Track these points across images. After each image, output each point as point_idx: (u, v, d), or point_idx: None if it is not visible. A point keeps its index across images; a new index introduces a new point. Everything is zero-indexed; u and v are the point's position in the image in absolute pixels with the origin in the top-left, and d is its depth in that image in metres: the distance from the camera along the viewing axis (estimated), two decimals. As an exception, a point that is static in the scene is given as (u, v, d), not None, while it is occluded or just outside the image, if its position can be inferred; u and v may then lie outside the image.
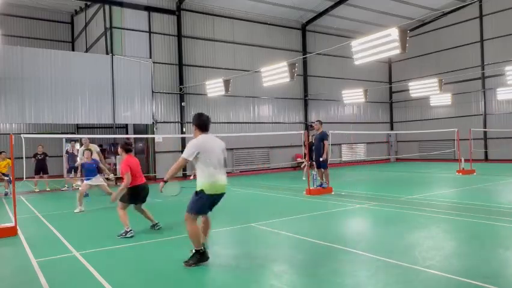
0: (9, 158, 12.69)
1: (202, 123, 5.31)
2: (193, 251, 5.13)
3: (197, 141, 5.16)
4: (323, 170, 11.82)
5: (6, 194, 13.49)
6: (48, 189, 15.21)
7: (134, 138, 20.63)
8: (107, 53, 17.78)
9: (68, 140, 19.28)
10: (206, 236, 5.39)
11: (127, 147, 7.32)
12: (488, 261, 4.88)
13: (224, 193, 5.18)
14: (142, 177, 7.24)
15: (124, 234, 6.83)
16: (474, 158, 18.24)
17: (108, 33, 18.04)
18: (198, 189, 5.13)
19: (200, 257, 5.09)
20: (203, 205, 5.17)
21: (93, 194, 12.99)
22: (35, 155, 15.02)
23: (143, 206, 7.41)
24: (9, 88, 15.24)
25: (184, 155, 5.09)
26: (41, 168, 15.02)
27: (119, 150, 7.49)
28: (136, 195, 7.10)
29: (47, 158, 15.31)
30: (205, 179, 5.05)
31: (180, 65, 19.51)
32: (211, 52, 20.58)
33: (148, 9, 18.59)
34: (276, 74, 14.42)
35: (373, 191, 12.23)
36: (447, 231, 6.70)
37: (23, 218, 8.85)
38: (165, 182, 5.47)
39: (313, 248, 5.87)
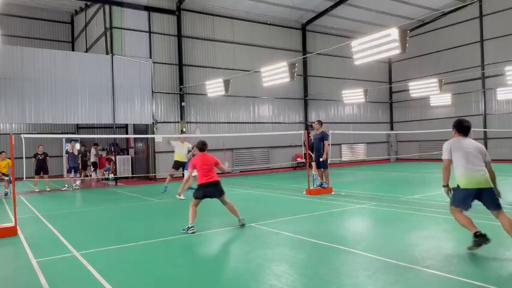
0: (9, 158, 12.70)
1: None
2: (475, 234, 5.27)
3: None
4: (322, 170, 11.82)
5: (6, 194, 13.49)
6: (48, 189, 15.22)
7: (134, 138, 20.66)
8: (107, 53, 17.78)
9: (68, 140, 19.29)
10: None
11: (201, 146, 7.54)
12: (488, 261, 4.88)
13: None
14: (207, 176, 7.29)
15: (186, 230, 7.04)
16: (474, 158, 18.21)
17: (108, 33, 18.04)
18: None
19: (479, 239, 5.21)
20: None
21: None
22: (35, 155, 15.04)
23: (227, 200, 7.55)
24: (9, 88, 15.24)
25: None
26: (41, 168, 15.03)
27: (195, 148, 8.42)
28: (200, 192, 7.34)
29: (47, 158, 15.33)
30: None
31: (180, 65, 19.51)
32: (211, 52, 20.58)
33: (148, 9, 18.60)
34: (276, 74, 14.41)
35: (373, 191, 12.23)
36: (447, 231, 6.70)
37: (23, 218, 8.85)
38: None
39: (314, 248, 5.87)
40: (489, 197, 5.56)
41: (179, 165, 13.90)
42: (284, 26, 23.01)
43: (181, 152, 13.88)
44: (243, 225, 7.39)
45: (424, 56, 25.87)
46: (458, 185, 5.67)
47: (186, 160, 13.86)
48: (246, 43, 21.66)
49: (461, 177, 5.68)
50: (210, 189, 7.32)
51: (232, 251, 6.06)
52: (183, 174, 14.20)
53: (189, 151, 13.38)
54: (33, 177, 15.11)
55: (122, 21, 18.14)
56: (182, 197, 11.86)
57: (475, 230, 5.34)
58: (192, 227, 7.04)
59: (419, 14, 23.03)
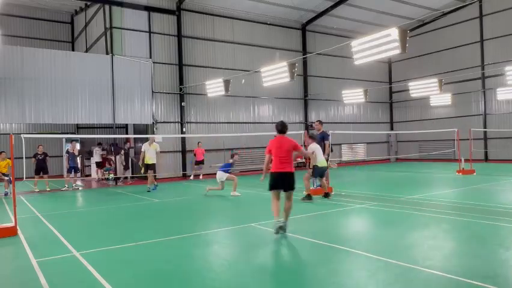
0: (9, 158, 12.69)
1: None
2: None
3: None
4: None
5: (6, 194, 13.49)
6: (48, 189, 15.22)
7: (134, 138, 20.65)
8: (107, 53, 17.78)
9: (68, 140, 19.31)
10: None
11: (280, 128, 6.75)
12: (488, 261, 4.88)
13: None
14: (282, 164, 6.55)
15: (276, 227, 6.45)
16: (474, 158, 18.24)
17: (108, 33, 18.04)
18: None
19: None
20: None
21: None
22: (35, 155, 15.02)
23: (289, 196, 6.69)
24: (9, 88, 15.24)
25: None
26: (41, 168, 15.03)
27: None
28: (272, 183, 6.61)
29: (47, 158, 15.32)
30: None
31: (180, 65, 19.51)
32: (211, 52, 20.58)
33: (148, 9, 18.60)
34: (276, 74, 14.41)
35: (373, 191, 12.23)
36: (447, 231, 6.70)
37: (23, 218, 8.85)
38: None
39: (313, 248, 5.87)
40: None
41: (147, 167, 13.82)
42: (284, 26, 23.02)
43: (149, 154, 13.81)
44: (282, 230, 6.46)
45: (424, 56, 25.88)
46: None
47: (155, 162, 14.03)
48: (246, 43, 21.66)
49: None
50: (280, 181, 6.55)
51: (232, 251, 6.06)
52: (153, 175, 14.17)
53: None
54: (33, 177, 15.11)
55: (122, 21, 18.14)
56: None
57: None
58: (278, 221, 6.43)
59: (419, 14, 23.04)
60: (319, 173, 10.42)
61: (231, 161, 12.61)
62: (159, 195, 12.96)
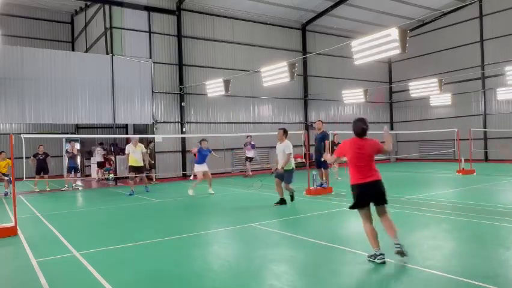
0: (9, 158, 12.69)
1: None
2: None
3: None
4: (323, 170, 11.82)
5: (6, 194, 13.49)
6: (48, 189, 15.22)
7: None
8: (107, 53, 17.78)
9: (68, 140, 19.30)
10: None
11: (360, 131, 5.21)
12: (488, 261, 4.88)
13: None
14: (366, 172, 5.06)
15: (371, 257, 4.93)
16: (474, 158, 18.23)
17: (108, 33, 18.04)
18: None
19: None
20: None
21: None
22: (35, 155, 15.00)
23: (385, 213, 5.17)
24: (9, 88, 15.25)
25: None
26: (41, 168, 15.02)
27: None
28: (359, 198, 5.06)
29: (48, 158, 15.32)
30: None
31: (180, 65, 19.51)
32: (211, 52, 20.57)
33: (148, 9, 18.59)
34: (276, 74, 14.42)
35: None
36: (447, 231, 6.70)
37: (23, 218, 8.85)
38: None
39: (313, 248, 5.87)
40: None
41: (134, 169, 13.13)
42: (284, 26, 23.01)
43: (135, 156, 13.11)
44: (401, 255, 4.89)
45: (424, 56, 25.87)
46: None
47: (142, 164, 13.35)
48: (246, 43, 21.66)
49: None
50: (369, 193, 5.04)
51: (232, 251, 6.06)
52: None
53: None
54: (34, 177, 15.10)
55: (122, 21, 18.14)
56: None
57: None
58: (378, 254, 4.86)
59: (419, 14, 23.03)
60: (291, 177, 9.61)
61: (195, 150, 12.52)
62: (159, 195, 12.96)
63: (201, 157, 12.31)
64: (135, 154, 13.11)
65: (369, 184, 5.01)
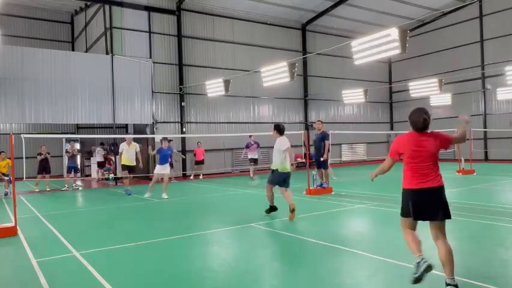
0: (9, 158, 12.69)
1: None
2: None
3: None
4: (323, 170, 11.83)
5: (6, 194, 13.49)
6: (48, 189, 15.23)
7: (134, 138, 20.62)
8: (107, 53, 17.78)
9: (68, 140, 19.30)
10: None
11: (416, 121, 4.39)
12: (488, 261, 4.88)
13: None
14: (423, 176, 4.19)
15: (417, 266, 4.03)
16: (474, 158, 18.23)
17: (108, 33, 18.04)
18: None
19: None
20: None
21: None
22: (39, 154, 15.08)
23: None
24: (9, 88, 15.25)
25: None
26: (43, 168, 15.05)
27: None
28: (409, 206, 4.30)
29: (49, 158, 15.35)
30: None
31: (180, 65, 19.51)
32: (211, 52, 20.58)
33: (148, 9, 18.60)
34: (276, 74, 14.42)
35: (373, 191, 12.22)
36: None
37: (23, 218, 8.84)
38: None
39: (313, 248, 5.87)
40: None
41: (127, 168, 13.08)
42: (284, 26, 23.01)
43: (128, 156, 12.97)
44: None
45: (424, 56, 25.87)
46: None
47: (135, 163, 13.18)
48: (246, 43, 21.66)
49: None
50: (425, 202, 4.24)
51: (233, 251, 6.05)
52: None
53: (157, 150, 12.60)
54: (35, 177, 15.13)
55: (122, 21, 18.14)
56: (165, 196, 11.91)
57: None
58: (421, 261, 4.05)
59: (419, 14, 23.03)
60: (276, 179, 8.22)
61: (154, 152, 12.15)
62: (159, 195, 12.96)
63: (161, 157, 11.77)
64: (128, 153, 12.99)
65: (424, 191, 4.14)
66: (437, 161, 4.25)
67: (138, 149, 13.48)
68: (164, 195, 11.85)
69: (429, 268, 3.95)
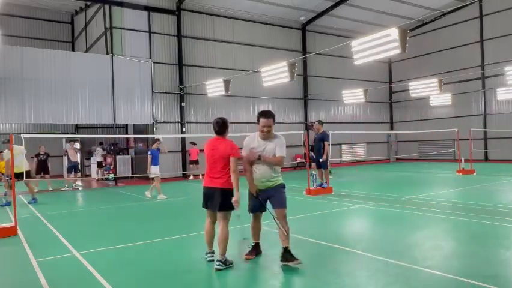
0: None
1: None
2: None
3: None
4: (323, 170, 11.82)
5: (6, 194, 13.48)
6: (50, 189, 15.26)
7: (134, 138, 20.64)
8: (107, 53, 17.78)
9: (68, 140, 19.30)
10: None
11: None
12: (488, 261, 4.88)
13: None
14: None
15: None
16: (474, 158, 18.23)
17: (108, 33, 18.04)
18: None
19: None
20: None
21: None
22: (37, 155, 15.07)
23: None
24: (9, 88, 15.25)
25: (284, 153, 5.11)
26: (42, 168, 15.05)
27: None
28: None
29: (48, 158, 15.36)
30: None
31: (180, 65, 19.51)
32: (211, 52, 20.57)
33: (148, 9, 18.60)
34: (276, 74, 14.41)
35: (373, 191, 12.23)
36: (447, 231, 6.70)
37: (23, 218, 8.84)
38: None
39: (313, 248, 5.87)
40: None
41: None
42: (284, 26, 23.01)
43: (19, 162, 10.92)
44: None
45: (424, 56, 25.87)
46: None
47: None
48: (246, 43, 21.65)
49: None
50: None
51: (232, 251, 6.05)
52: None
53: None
54: (35, 177, 15.11)
55: (122, 21, 18.14)
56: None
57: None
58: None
59: (419, 14, 23.03)
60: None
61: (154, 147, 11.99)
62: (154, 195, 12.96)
63: (155, 159, 11.81)
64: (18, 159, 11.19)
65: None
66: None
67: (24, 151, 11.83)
68: (148, 194, 12.01)
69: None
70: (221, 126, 5.40)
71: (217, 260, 4.89)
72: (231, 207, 5.03)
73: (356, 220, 8.22)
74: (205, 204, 5.16)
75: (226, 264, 4.93)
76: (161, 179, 12.12)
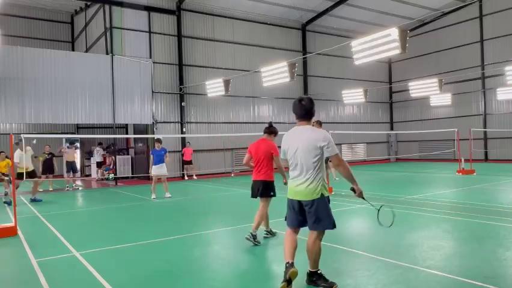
0: (9, 158, 12.69)
1: (294, 109, 4.27)
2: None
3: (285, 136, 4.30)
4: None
5: (6, 194, 13.48)
6: (51, 189, 15.28)
7: (134, 138, 20.64)
8: (107, 53, 17.78)
9: (69, 140, 19.31)
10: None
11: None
12: (488, 261, 4.88)
13: (305, 200, 4.10)
14: None
15: None
16: (474, 158, 18.23)
17: (108, 33, 18.04)
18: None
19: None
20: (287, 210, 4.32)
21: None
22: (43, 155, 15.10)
23: None
24: (9, 88, 15.25)
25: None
26: (48, 168, 15.05)
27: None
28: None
29: (53, 158, 15.38)
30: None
31: (180, 65, 19.51)
32: (211, 52, 20.57)
33: (148, 9, 18.60)
34: (276, 74, 14.41)
35: (373, 191, 12.22)
36: (447, 231, 6.70)
37: (23, 218, 8.84)
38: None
39: (314, 248, 5.86)
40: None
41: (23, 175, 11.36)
42: (284, 26, 23.01)
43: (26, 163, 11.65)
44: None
45: (424, 56, 25.87)
46: None
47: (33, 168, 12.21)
48: (246, 43, 21.65)
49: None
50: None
51: (233, 251, 6.05)
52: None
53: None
54: (40, 177, 15.16)
55: (122, 21, 18.14)
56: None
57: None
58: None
59: (419, 14, 23.03)
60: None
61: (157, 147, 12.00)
62: (159, 195, 12.95)
63: (156, 158, 11.84)
64: (26, 160, 11.69)
65: None
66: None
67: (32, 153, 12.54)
68: (168, 194, 11.96)
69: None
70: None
71: (250, 232, 5.89)
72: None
73: (356, 220, 8.22)
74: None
75: (255, 239, 5.89)
76: (158, 179, 12.12)
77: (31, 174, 12.05)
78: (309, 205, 4.08)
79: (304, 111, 4.19)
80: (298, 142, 4.13)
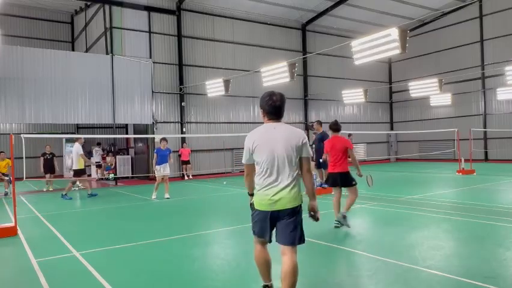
0: (9, 158, 12.69)
1: (265, 105, 3.64)
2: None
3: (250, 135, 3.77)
4: (323, 170, 11.81)
5: (6, 194, 13.49)
6: (51, 189, 15.28)
7: (134, 138, 20.64)
8: (107, 53, 17.78)
9: (69, 140, 19.30)
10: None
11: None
12: (488, 261, 4.88)
13: (287, 209, 3.75)
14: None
15: None
16: (474, 158, 18.23)
17: (108, 33, 18.03)
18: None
19: None
20: (255, 224, 3.79)
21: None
22: (43, 155, 15.15)
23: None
24: (9, 88, 15.25)
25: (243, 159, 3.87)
26: (49, 167, 15.11)
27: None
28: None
29: (55, 157, 15.43)
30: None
31: (180, 65, 19.51)
32: (211, 52, 20.57)
33: (148, 9, 18.59)
34: (276, 74, 14.41)
35: (373, 191, 12.21)
36: (447, 231, 6.70)
37: (23, 218, 8.85)
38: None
39: (313, 248, 5.87)
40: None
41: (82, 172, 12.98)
42: (284, 26, 23.01)
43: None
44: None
45: (424, 56, 25.86)
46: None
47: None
48: (246, 43, 21.65)
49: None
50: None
51: (233, 251, 6.05)
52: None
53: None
54: (44, 177, 15.25)
55: (122, 21, 18.14)
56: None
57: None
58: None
59: (419, 14, 23.03)
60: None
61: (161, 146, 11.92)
62: (159, 195, 12.95)
63: (160, 158, 11.78)
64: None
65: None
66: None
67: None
68: (167, 195, 11.90)
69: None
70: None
71: (341, 213, 7.14)
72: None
73: (356, 220, 8.21)
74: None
75: (344, 218, 7.08)
76: (161, 178, 12.10)
77: (79, 172, 12.97)
78: (290, 214, 3.68)
79: (279, 108, 3.60)
80: (275, 142, 3.55)
